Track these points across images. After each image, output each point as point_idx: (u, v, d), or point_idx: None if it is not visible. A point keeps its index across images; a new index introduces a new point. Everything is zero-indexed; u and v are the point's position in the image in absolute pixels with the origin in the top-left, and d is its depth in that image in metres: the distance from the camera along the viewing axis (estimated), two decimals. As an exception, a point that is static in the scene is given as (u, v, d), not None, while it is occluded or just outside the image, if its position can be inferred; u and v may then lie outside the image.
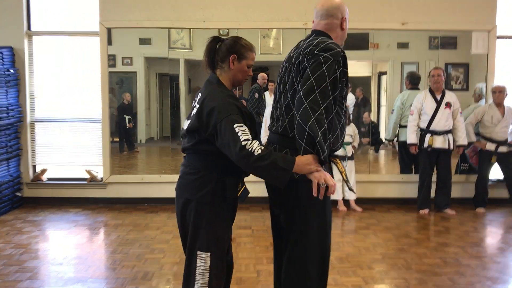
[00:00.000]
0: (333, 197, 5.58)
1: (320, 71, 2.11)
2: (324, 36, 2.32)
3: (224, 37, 2.39)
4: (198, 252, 2.25)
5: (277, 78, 2.49)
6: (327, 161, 2.14)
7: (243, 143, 2.03)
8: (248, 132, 2.09)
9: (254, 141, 2.07)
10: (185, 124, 2.35)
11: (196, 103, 2.28)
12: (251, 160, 2.02)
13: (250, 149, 2.02)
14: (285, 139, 2.28)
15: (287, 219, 2.38)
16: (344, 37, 2.44)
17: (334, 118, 2.25)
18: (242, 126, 2.08)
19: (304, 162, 2.05)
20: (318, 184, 2.05)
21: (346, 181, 2.43)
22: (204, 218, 2.24)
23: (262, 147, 2.05)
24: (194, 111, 2.25)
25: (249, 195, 2.38)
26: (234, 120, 2.09)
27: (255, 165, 2.03)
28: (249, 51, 2.32)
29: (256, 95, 6.31)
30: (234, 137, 2.05)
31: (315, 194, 2.07)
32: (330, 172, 2.35)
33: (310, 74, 2.12)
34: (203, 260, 2.25)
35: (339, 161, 2.41)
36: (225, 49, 2.31)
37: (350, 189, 2.55)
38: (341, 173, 2.39)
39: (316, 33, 2.37)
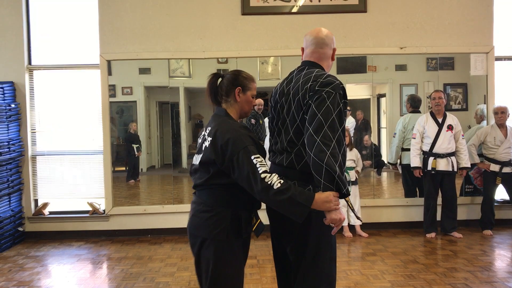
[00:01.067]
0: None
1: (325, 106, 2.14)
2: (317, 67, 2.37)
3: (222, 71, 2.44)
4: None
5: (271, 111, 2.51)
6: (349, 194, 2.13)
7: (262, 175, 2.02)
8: (265, 163, 2.09)
9: (274, 174, 2.06)
10: (195, 159, 2.32)
11: (206, 136, 2.26)
12: (270, 193, 2.01)
13: (269, 182, 2.01)
14: (291, 171, 2.28)
15: (296, 251, 2.35)
16: (330, 67, 2.50)
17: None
18: (259, 157, 2.08)
19: (323, 199, 2.04)
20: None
21: (352, 209, 2.42)
22: (220, 256, 2.21)
23: (282, 181, 2.04)
24: (207, 144, 2.23)
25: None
26: (251, 151, 2.09)
27: (274, 199, 2.02)
28: (251, 81, 2.37)
29: (253, 121, 6.30)
30: (253, 170, 2.04)
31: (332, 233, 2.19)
32: None
33: (316, 111, 2.15)
34: None
35: None
36: (228, 83, 2.34)
37: (358, 218, 2.52)
38: (346, 201, 2.38)
39: (308, 64, 2.40)
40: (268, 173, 2.05)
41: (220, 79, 2.37)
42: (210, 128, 2.28)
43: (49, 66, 5.99)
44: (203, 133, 2.33)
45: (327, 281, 2.33)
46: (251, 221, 2.30)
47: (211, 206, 2.23)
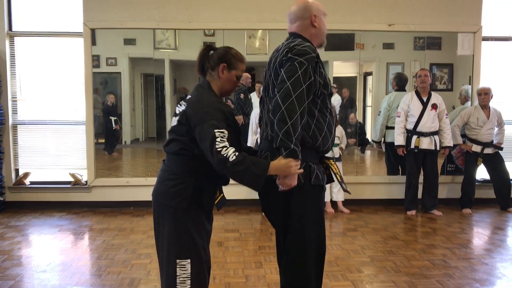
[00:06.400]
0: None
1: (295, 76, 2.15)
2: (300, 38, 2.34)
3: (209, 44, 2.41)
4: (178, 261, 2.23)
5: (263, 83, 2.51)
6: (299, 158, 2.17)
7: (219, 148, 2.06)
8: (226, 139, 2.10)
9: (231, 147, 2.08)
10: (173, 121, 2.33)
11: (184, 102, 2.27)
12: (226, 165, 2.05)
13: (225, 155, 2.05)
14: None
15: (282, 222, 2.39)
16: (320, 34, 2.43)
17: (319, 117, 2.29)
18: (222, 132, 2.10)
19: (284, 164, 2.13)
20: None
21: (341, 182, 2.45)
22: (181, 224, 2.23)
23: (237, 153, 2.07)
24: (183, 107, 2.24)
25: (237, 198, 2.39)
26: (215, 125, 2.11)
27: (230, 170, 2.07)
28: (239, 61, 2.32)
29: (242, 95, 6.25)
30: (211, 142, 2.07)
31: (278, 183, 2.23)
32: (326, 175, 2.40)
33: (286, 79, 2.15)
34: (183, 268, 2.23)
35: (333, 162, 2.43)
36: (217, 57, 2.31)
37: (346, 190, 2.52)
38: (335, 174, 2.42)
39: (293, 35, 2.40)
40: (226, 147, 2.07)
41: (211, 52, 2.34)
42: (189, 96, 2.30)
43: (31, 32, 5.83)
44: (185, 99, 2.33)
45: (314, 252, 2.38)
46: (214, 194, 2.33)
47: (177, 175, 2.25)
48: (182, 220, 2.23)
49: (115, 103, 6.13)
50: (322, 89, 2.28)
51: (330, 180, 2.47)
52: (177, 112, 2.28)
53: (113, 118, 6.11)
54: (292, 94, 2.11)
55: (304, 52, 2.18)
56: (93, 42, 5.75)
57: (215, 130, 2.08)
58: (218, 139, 2.07)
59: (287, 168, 2.12)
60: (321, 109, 2.31)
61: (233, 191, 2.62)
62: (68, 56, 5.92)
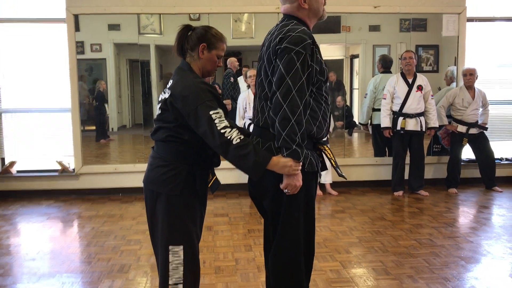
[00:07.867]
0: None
1: (294, 69, 2.04)
2: (294, 20, 2.22)
3: (196, 26, 2.32)
4: (170, 247, 2.23)
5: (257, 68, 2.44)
6: (301, 159, 2.09)
7: (222, 130, 2.03)
8: (224, 119, 2.08)
9: (234, 129, 2.06)
10: (157, 110, 2.30)
11: (167, 89, 2.23)
12: (229, 148, 2.02)
13: (229, 137, 2.02)
14: (266, 132, 2.20)
15: (272, 207, 2.32)
16: (314, 13, 2.28)
17: (314, 106, 2.22)
18: (218, 113, 2.07)
19: (282, 163, 2.06)
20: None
21: (336, 167, 2.40)
22: (174, 211, 2.22)
23: (242, 137, 2.04)
24: (166, 95, 2.20)
25: (226, 182, 2.36)
26: (209, 106, 2.07)
27: (232, 154, 2.03)
28: (219, 41, 2.27)
29: (232, 79, 6.23)
30: (210, 124, 2.04)
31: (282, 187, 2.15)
32: (320, 160, 2.36)
33: (285, 74, 2.05)
34: (176, 254, 2.23)
35: (327, 148, 2.38)
36: (196, 37, 2.26)
37: (341, 175, 2.48)
38: (329, 160, 2.37)
39: (287, 17, 2.27)
40: (228, 127, 2.05)
41: (190, 32, 2.30)
42: (171, 81, 2.24)
43: (12, 19, 5.73)
44: (167, 86, 2.29)
45: (304, 240, 2.33)
46: (207, 178, 2.31)
47: (168, 161, 2.22)
48: (175, 207, 2.21)
49: (106, 89, 6.08)
50: (318, 76, 2.19)
51: (324, 168, 2.41)
52: (160, 99, 2.25)
53: (106, 105, 6.08)
54: (293, 89, 2.03)
55: (300, 39, 2.07)
56: (77, 28, 5.67)
57: (210, 112, 2.05)
58: (216, 121, 2.04)
59: (283, 168, 2.06)
60: (316, 98, 2.22)
61: (223, 175, 2.61)
62: (52, 42, 5.83)
